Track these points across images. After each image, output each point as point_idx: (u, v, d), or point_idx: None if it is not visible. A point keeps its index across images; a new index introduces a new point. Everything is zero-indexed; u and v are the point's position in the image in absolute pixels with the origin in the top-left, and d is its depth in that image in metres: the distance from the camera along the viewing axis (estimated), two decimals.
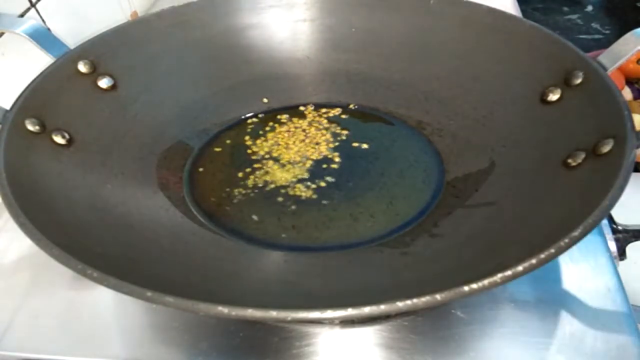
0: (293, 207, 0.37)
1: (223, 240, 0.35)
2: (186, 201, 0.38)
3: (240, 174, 0.40)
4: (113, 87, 0.40)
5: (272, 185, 0.39)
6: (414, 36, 0.44)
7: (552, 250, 0.22)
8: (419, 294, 0.21)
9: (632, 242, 0.36)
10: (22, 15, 0.45)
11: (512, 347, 0.30)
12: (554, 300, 0.32)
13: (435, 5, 0.43)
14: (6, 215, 0.26)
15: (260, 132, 0.44)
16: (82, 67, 0.38)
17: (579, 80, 0.34)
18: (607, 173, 0.27)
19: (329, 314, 0.21)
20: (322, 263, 0.33)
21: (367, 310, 0.21)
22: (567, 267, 0.34)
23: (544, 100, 0.36)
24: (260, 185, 0.39)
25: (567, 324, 0.31)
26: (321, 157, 0.41)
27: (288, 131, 0.44)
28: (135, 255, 0.29)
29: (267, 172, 0.40)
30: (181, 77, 0.44)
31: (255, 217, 0.37)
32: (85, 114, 0.37)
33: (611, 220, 0.37)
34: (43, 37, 0.38)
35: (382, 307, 0.21)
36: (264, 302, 0.21)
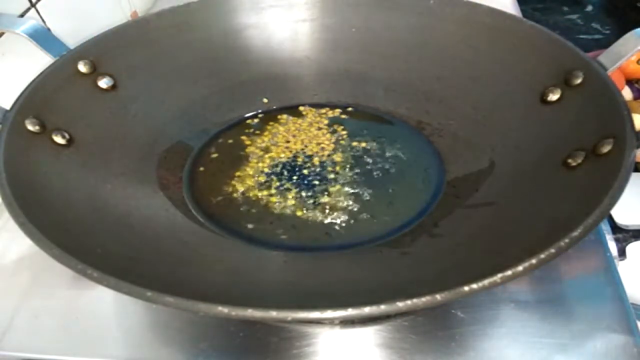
0: (293, 207, 0.37)
1: (223, 240, 0.35)
2: (186, 201, 0.38)
3: (240, 174, 0.40)
4: (113, 87, 0.40)
5: (272, 185, 0.39)
6: (414, 36, 0.44)
7: (552, 250, 0.22)
8: (419, 294, 0.21)
9: (632, 242, 0.36)
10: (22, 15, 0.45)
11: (512, 347, 0.30)
12: (554, 300, 0.32)
13: (435, 5, 0.43)
14: (6, 215, 0.26)
15: (260, 132, 0.44)
16: (82, 67, 0.38)
17: (579, 80, 0.34)
18: (607, 173, 0.26)
19: (329, 314, 0.21)
20: (322, 263, 0.33)
21: (367, 310, 0.21)
22: (567, 267, 0.34)
23: (544, 100, 0.36)
24: (260, 185, 0.39)
25: (567, 324, 0.31)
26: (321, 157, 0.41)
27: (288, 131, 0.44)
28: (135, 255, 0.29)
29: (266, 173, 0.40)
30: (181, 77, 0.44)
31: (255, 217, 0.37)
32: (85, 114, 0.37)
33: (611, 220, 0.37)
34: (43, 37, 0.38)
35: (382, 307, 0.21)
36: (264, 302, 0.21)
